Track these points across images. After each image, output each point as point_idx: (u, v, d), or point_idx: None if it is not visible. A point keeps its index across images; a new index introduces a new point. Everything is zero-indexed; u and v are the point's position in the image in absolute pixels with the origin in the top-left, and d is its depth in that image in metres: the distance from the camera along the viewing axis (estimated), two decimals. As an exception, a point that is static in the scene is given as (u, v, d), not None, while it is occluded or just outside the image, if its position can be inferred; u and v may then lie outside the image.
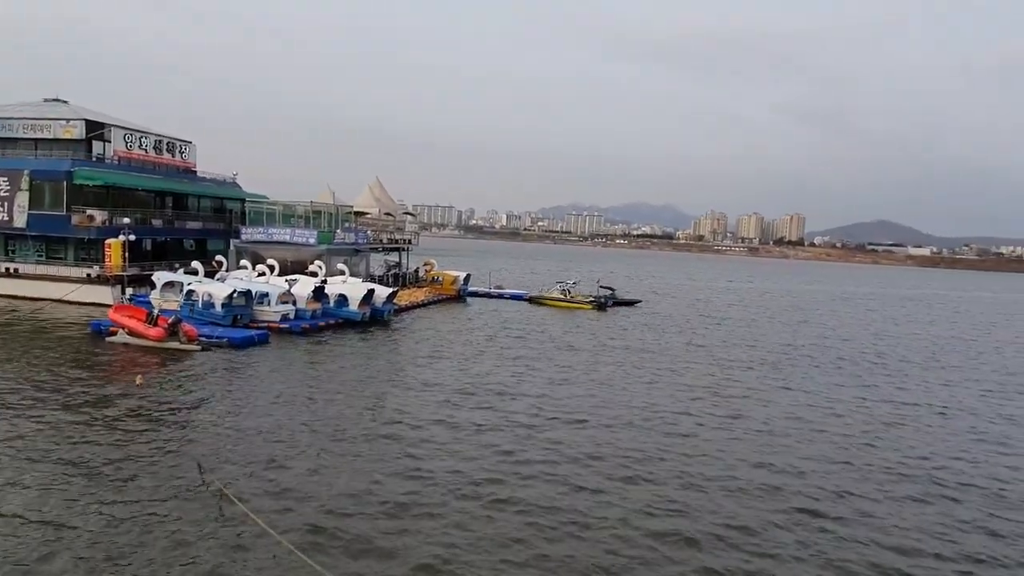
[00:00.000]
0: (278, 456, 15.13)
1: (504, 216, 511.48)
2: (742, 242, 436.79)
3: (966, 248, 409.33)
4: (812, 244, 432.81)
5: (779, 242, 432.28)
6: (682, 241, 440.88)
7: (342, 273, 38.40)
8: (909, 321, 56.57)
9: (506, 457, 15.90)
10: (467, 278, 52.62)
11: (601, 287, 53.99)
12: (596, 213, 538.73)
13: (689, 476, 15.35)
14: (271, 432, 16.74)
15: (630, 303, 53.98)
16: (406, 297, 44.38)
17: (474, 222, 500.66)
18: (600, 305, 49.21)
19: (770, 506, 13.89)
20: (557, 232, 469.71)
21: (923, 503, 14.63)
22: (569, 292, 51.30)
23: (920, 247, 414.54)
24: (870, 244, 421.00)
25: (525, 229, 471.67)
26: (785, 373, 28.64)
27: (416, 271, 54.41)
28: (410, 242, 56.11)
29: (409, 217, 64.10)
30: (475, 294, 52.97)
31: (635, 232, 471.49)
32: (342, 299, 34.88)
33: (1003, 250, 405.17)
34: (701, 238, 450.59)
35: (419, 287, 50.83)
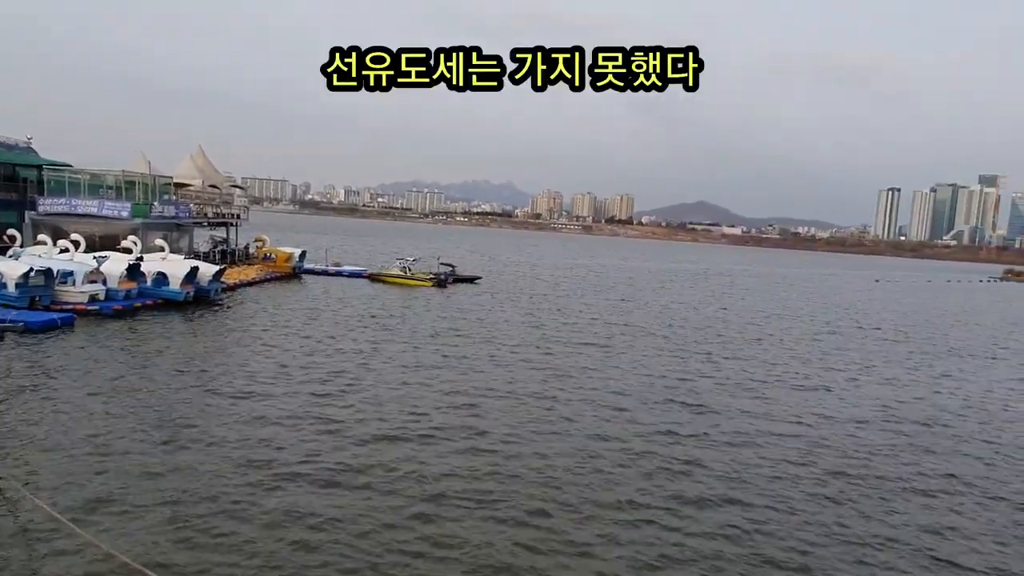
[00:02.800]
0: (76, 448, 13.72)
1: (342, 191, 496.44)
2: (577, 220, 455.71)
3: (770, 228, 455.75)
4: (640, 223, 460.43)
5: (610, 220, 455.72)
6: (520, 219, 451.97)
7: (161, 249, 35.48)
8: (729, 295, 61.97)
9: (325, 446, 15.46)
10: (302, 255, 50.66)
11: (441, 264, 54.07)
12: (437, 190, 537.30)
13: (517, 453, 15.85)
14: (70, 423, 15.13)
15: (470, 279, 54.56)
16: (235, 275, 41.90)
17: (310, 197, 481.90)
18: (440, 282, 49.31)
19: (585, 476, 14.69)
20: (397, 209, 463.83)
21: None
22: (409, 269, 50.92)
23: (733, 227, 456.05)
24: (690, 223, 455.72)
25: (364, 205, 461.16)
26: (608, 348, 30.31)
27: (246, 248, 51.53)
28: (239, 217, 52.89)
29: (238, 191, 60.43)
30: (311, 271, 51.14)
31: (475, 210, 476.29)
32: (161, 277, 32.25)
33: (800, 230, 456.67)
34: (539, 216, 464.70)
35: (250, 264, 48.22)
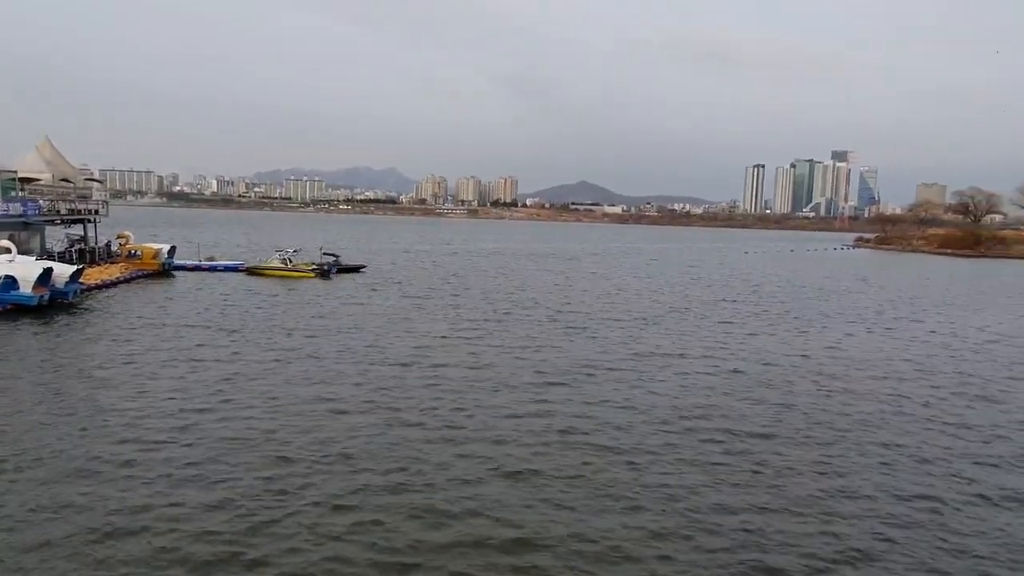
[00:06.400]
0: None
1: (214, 182, 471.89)
2: (462, 204, 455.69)
3: (648, 206, 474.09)
4: (524, 205, 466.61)
5: (495, 203, 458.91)
6: (406, 205, 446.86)
7: (8, 251, 32.49)
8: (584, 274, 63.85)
9: (195, 462, 14.78)
10: (172, 250, 47.77)
11: (324, 254, 52.58)
12: (317, 178, 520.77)
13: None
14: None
15: (355, 269, 53.45)
16: (96, 275, 39.00)
17: (179, 188, 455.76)
18: (323, 273, 47.97)
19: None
20: (276, 199, 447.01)
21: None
22: (290, 260, 49.15)
23: (614, 206, 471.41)
24: (573, 204, 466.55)
25: (240, 196, 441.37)
26: (497, 327, 30.64)
27: (108, 245, 47.99)
28: (98, 212, 49.10)
29: (95, 184, 56.09)
30: (183, 267, 48.35)
31: (359, 197, 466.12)
32: (10, 281, 29.53)
33: (676, 207, 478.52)
34: (424, 202, 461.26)
35: (113, 263, 44.98)
